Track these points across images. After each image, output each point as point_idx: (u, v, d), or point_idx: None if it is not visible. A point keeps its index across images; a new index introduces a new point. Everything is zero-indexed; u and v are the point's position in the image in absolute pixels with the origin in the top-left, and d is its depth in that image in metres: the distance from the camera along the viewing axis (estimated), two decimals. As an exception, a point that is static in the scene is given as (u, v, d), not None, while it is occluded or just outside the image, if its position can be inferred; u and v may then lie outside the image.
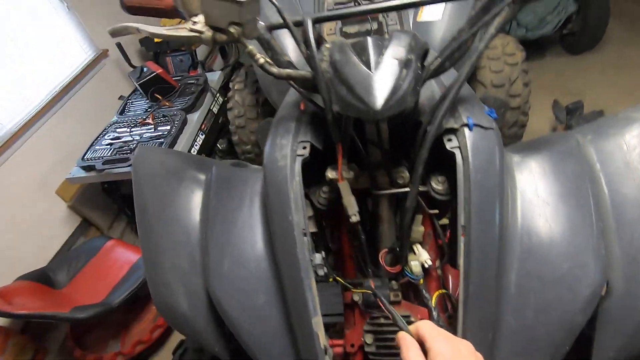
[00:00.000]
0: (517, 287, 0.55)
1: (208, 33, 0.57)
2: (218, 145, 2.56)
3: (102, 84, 2.61)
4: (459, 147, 0.58)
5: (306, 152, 0.61)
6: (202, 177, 0.77)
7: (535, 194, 0.60)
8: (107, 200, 2.32)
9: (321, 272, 0.59)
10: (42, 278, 1.78)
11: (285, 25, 0.60)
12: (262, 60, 0.57)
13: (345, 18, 0.65)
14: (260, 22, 0.61)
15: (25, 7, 2.11)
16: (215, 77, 2.56)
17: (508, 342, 0.53)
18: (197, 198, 0.74)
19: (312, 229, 0.67)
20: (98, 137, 2.13)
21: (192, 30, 0.57)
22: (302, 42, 0.59)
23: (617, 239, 0.56)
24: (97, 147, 2.05)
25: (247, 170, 0.76)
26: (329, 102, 0.57)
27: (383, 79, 0.50)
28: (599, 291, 0.53)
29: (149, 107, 2.27)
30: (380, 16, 1.49)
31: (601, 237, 0.55)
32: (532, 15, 2.80)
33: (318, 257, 0.60)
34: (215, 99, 2.48)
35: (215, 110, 2.46)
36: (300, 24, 0.59)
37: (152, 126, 2.09)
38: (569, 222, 0.56)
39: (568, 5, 2.77)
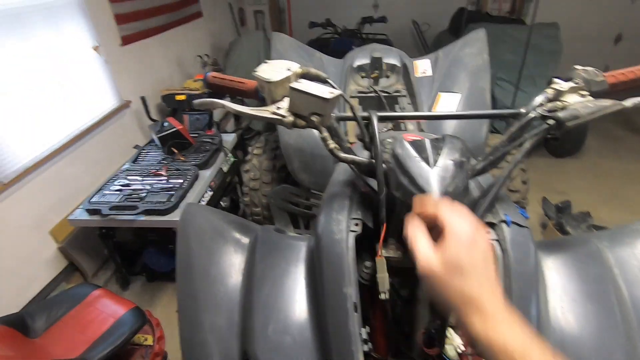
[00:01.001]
0: (554, 381, 0.58)
1: (290, 118, 0.66)
2: (221, 202, 2.60)
3: (119, 133, 2.71)
4: (498, 240, 0.65)
5: (359, 228, 0.67)
6: (245, 239, 0.81)
7: (563, 291, 0.66)
8: (99, 246, 2.26)
9: (366, 348, 0.61)
10: (17, 323, 1.65)
11: (354, 118, 0.70)
12: (332, 145, 0.66)
13: (402, 120, 0.76)
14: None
15: (66, 54, 2.27)
16: (230, 139, 2.70)
17: None
18: (239, 259, 0.77)
19: None
20: (108, 181, 2.15)
21: (275, 113, 0.67)
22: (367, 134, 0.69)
23: (641, 342, 0.61)
24: (105, 192, 2.06)
25: (291, 238, 0.80)
26: (383, 186, 0.65)
27: (441, 175, 0.59)
28: (632, 392, 0.57)
29: (163, 159, 2.35)
30: (397, 108, 1.67)
31: (628, 338, 0.60)
32: (520, 120, 3.14)
33: (364, 332, 0.62)
34: (227, 158, 2.58)
35: (225, 169, 2.55)
36: (367, 119, 0.70)
37: (165, 178, 2.13)
38: (597, 321, 0.62)
39: (551, 115, 3.14)
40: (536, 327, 0.59)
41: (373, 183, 0.70)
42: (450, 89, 1.68)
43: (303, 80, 0.67)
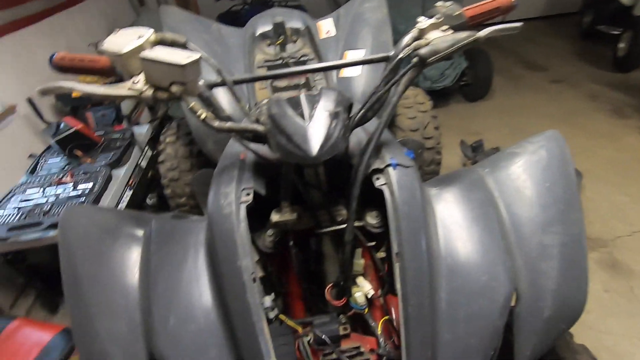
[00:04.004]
0: (447, 303, 0.62)
1: (148, 92, 0.59)
2: (147, 200, 2.43)
3: (7, 143, 2.35)
4: (386, 184, 0.66)
5: (250, 198, 0.65)
6: (140, 233, 0.74)
7: (452, 220, 0.70)
8: (11, 273, 2.01)
9: (272, 315, 0.60)
10: None
11: (225, 83, 0.65)
12: (204, 115, 0.61)
13: (260, 80, 0.72)
14: (200, 80, 0.65)
15: None
16: (143, 131, 2.49)
17: (446, 356, 0.59)
18: (134, 256, 0.71)
19: (260, 273, 0.68)
20: (1, 201, 1.89)
21: (131, 89, 0.60)
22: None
23: (519, 252, 0.67)
24: None
25: (189, 221, 0.76)
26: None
27: (317, 129, 0.58)
28: (510, 297, 0.63)
29: (67, 165, 2.10)
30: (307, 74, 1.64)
31: (506, 252, 0.66)
32: (434, 70, 3.31)
33: (268, 300, 0.61)
34: (144, 153, 2.39)
35: (143, 164, 2.36)
36: (238, 82, 0.65)
37: (71, 185, 1.92)
38: (481, 242, 0.67)
39: (461, 62, 3.35)
40: (427, 261, 0.61)
41: (258, 149, 0.67)
42: (355, 46, 1.67)
43: (158, 48, 0.60)
